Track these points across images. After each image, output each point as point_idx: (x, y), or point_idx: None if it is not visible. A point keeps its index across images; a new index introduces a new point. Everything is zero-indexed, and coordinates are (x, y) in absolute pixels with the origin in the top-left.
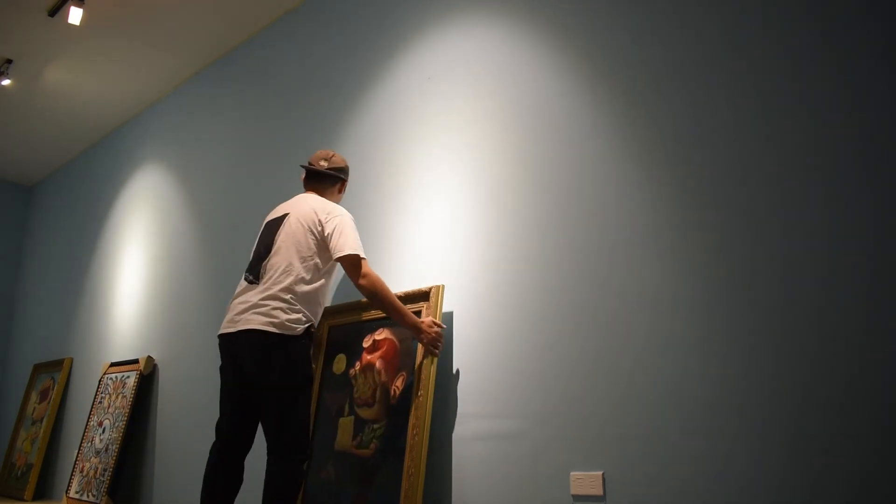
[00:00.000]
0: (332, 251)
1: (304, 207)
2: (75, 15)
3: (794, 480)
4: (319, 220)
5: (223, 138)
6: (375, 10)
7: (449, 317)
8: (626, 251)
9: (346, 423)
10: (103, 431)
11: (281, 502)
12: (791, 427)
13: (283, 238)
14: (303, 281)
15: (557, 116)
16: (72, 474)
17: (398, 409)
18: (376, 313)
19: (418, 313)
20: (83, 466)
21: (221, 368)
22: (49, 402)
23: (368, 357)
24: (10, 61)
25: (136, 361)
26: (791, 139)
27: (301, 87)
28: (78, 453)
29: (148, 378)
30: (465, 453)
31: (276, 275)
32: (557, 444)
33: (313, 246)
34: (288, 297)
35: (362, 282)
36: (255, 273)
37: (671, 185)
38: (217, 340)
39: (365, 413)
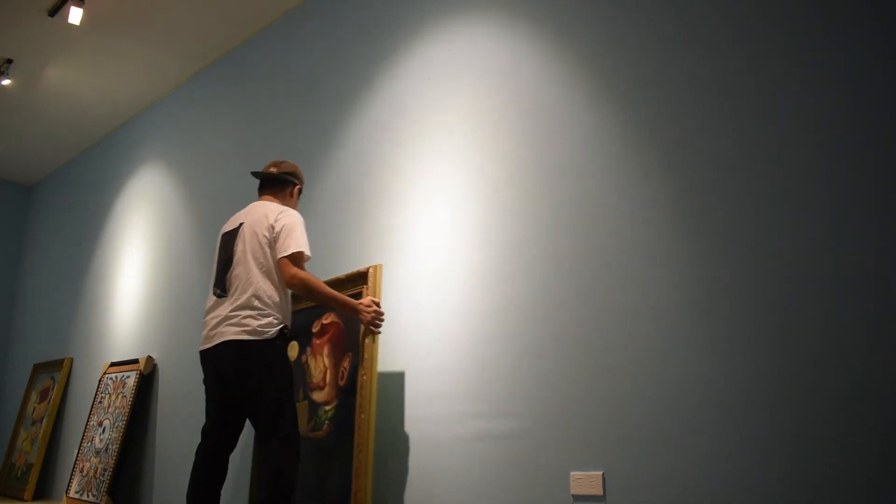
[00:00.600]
0: (278, 251)
1: (257, 214)
2: (75, 15)
3: (796, 480)
4: (271, 225)
5: (223, 138)
6: (375, 11)
7: (449, 316)
8: (627, 251)
9: (301, 408)
10: (103, 431)
11: (282, 479)
12: (792, 427)
13: (241, 249)
14: (266, 286)
15: (557, 116)
16: (72, 474)
17: (347, 390)
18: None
19: (359, 295)
20: (83, 466)
21: (205, 381)
22: (49, 402)
23: (318, 342)
24: (10, 61)
25: (136, 361)
26: (792, 141)
27: (301, 87)
28: (78, 453)
29: (148, 378)
30: (465, 453)
31: (241, 284)
32: (557, 444)
33: (268, 251)
34: (256, 303)
35: (292, 281)
36: (221, 286)
37: (672, 184)
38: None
39: (317, 396)
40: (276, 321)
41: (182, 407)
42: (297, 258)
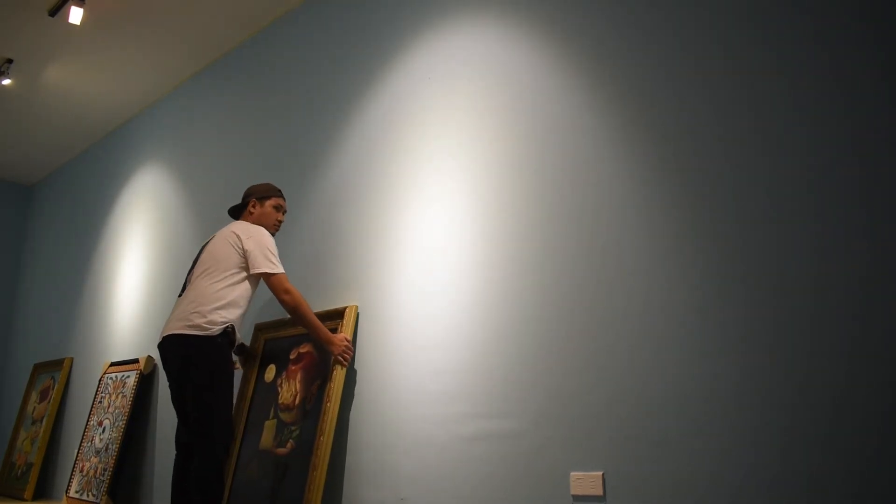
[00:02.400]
0: (251, 267)
1: (227, 230)
2: (76, 15)
3: (794, 481)
4: (238, 237)
5: (223, 138)
6: (375, 11)
7: (449, 316)
8: (626, 251)
9: (270, 426)
10: (103, 431)
11: (205, 501)
12: (791, 427)
13: (205, 255)
14: (220, 288)
15: (557, 116)
16: (72, 474)
17: (311, 414)
18: (304, 329)
19: (333, 332)
20: (83, 466)
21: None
22: (49, 402)
23: (293, 367)
24: (10, 61)
25: (136, 361)
26: (790, 142)
27: (301, 87)
28: (78, 453)
29: (148, 378)
30: (465, 453)
31: (198, 285)
32: (557, 444)
33: (232, 256)
34: (205, 301)
35: (285, 297)
36: (183, 288)
37: (672, 184)
38: None
39: (285, 416)
40: (220, 320)
41: None
42: (273, 279)
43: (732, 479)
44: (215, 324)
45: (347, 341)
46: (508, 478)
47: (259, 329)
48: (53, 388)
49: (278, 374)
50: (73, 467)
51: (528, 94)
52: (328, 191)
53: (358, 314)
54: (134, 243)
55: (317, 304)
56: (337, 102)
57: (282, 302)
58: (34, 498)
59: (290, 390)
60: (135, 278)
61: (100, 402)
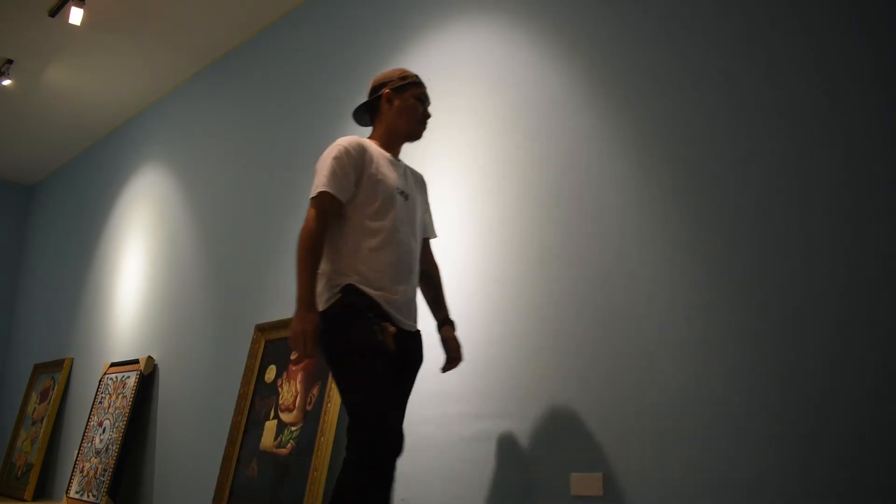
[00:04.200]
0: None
1: None
2: (76, 15)
3: (794, 480)
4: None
5: (223, 138)
6: (375, 11)
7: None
8: (627, 252)
9: (270, 426)
10: (103, 431)
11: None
12: (791, 427)
13: None
14: (326, 241)
15: (557, 116)
16: (72, 474)
17: (312, 415)
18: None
19: None
20: (83, 466)
21: None
22: (49, 402)
23: (293, 368)
24: (10, 61)
25: (136, 361)
26: (791, 140)
27: (301, 87)
28: (78, 453)
29: (148, 378)
30: (465, 453)
31: None
32: (557, 445)
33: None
34: (321, 264)
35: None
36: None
37: (671, 186)
38: None
39: (286, 417)
40: (330, 282)
41: (182, 407)
42: (316, 203)
43: (733, 479)
44: (325, 290)
45: (307, 332)
46: (508, 478)
47: (259, 329)
48: (53, 389)
49: (279, 374)
50: (74, 468)
51: (529, 94)
52: None
53: None
54: (134, 243)
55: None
56: (337, 102)
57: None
58: (34, 498)
59: (290, 391)
60: (135, 278)
61: (100, 402)
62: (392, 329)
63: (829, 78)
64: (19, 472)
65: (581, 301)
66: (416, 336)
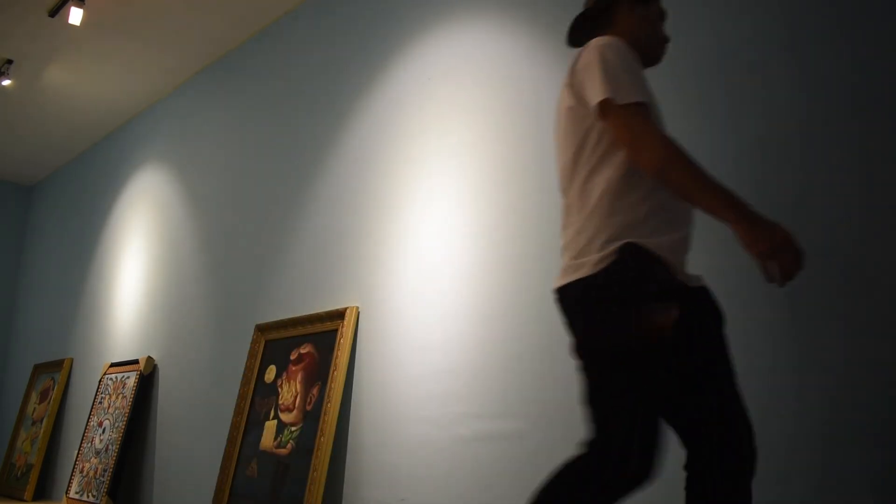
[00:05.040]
0: (589, 101)
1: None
2: (76, 15)
3: (795, 480)
4: (571, 75)
5: (223, 138)
6: (375, 11)
7: (449, 316)
8: None
9: (270, 426)
10: (103, 432)
11: None
12: (791, 427)
13: (559, 140)
14: (591, 183)
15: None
16: (72, 474)
17: (312, 415)
18: (305, 329)
19: (334, 332)
20: (83, 466)
21: None
22: (49, 403)
23: (293, 368)
24: (10, 61)
25: (136, 362)
26: (790, 140)
27: (301, 88)
28: (78, 453)
29: (148, 378)
30: (465, 454)
31: (568, 193)
32: (557, 445)
33: (576, 125)
34: (580, 218)
35: (634, 154)
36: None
37: None
38: None
39: (286, 417)
40: (603, 241)
41: (182, 407)
42: (610, 113)
43: None
44: (596, 250)
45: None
46: (508, 478)
47: (259, 329)
48: (53, 389)
49: (278, 374)
50: (73, 468)
51: (529, 94)
52: (329, 191)
53: (358, 315)
54: (134, 243)
55: (317, 304)
56: (337, 103)
57: (637, 166)
58: (34, 498)
59: (290, 391)
60: (135, 279)
61: (100, 402)
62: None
63: (828, 77)
64: (19, 473)
65: None
66: None
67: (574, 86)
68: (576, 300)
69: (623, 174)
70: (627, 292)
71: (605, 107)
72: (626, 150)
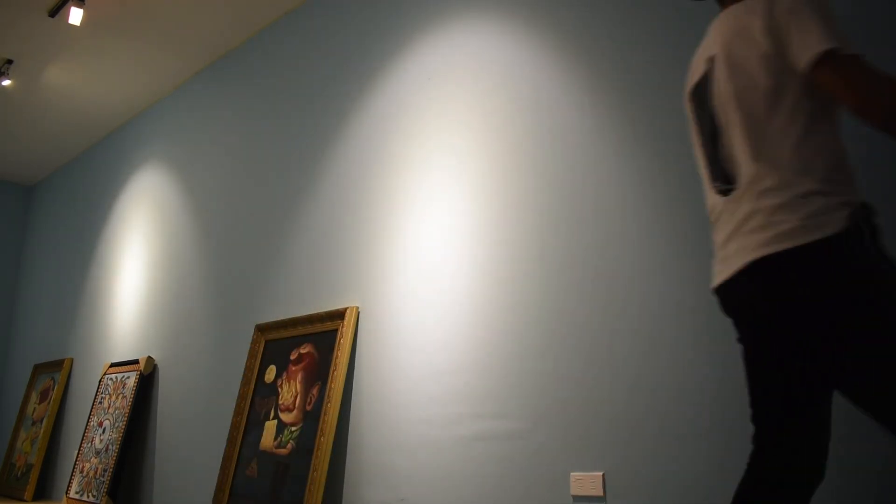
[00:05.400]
0: (794, 60)
1: (728, 29)
2: (76, 15)
3: None
4: (761, 24)
5: (223, 138)
6: (376, 11)
7: (449, 316)
8: (627, 252)
9: (270, 426)
10: (103, 432)
11: None
12: None
13: (724, 102)
14: (783, 142)
15: (557, 116)
16: (72, 474)
17: (312, 415)
18: (305, 329)
19: (334, 332)
20: (83, 466)
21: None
22: (49, 403)
23: (293, 368)
24: (10, 61)
25: (136, 362)
26: None
27: (301, 88)
28: (78, 453)
29: (148, 378)
30: (465, 454)
31: (745, 161)
32: (557, 445)
33: (766, 77)
34: (773, 183)
35: (852, 102)
36: (720, 177)
37: (672, 186)
38: None
39: (286, 417)
40: (826, 200)
41: (182, 407)
42: (827, 68)
43: (733, 479)
44: (820, 213)
45: None
46: (508, 478)
47: (259, 329)
48: (53, 389)
49: (278, 374)
50: (74, 468)
51: (529, 94)
52: (329, 191)
53: (358, 315)
54: (134, 244)
55: (317, 304)
56: (337, 103)
57: (865, 118)
58: (34, 498)
59: (290, 391)
60: (135, 279)
61: (100, 402)
62: None
63: None
64: (19, 473)
65: (580, 300)
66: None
67: (773, 30)
68: (821, 262)
69: (836, 132)
70: (872, 250)
71: (827, 57)
72: (854, 103)
